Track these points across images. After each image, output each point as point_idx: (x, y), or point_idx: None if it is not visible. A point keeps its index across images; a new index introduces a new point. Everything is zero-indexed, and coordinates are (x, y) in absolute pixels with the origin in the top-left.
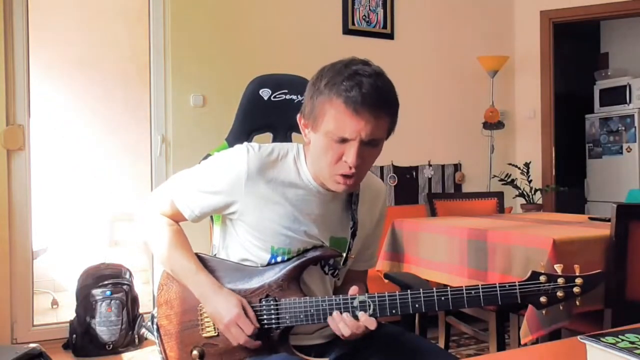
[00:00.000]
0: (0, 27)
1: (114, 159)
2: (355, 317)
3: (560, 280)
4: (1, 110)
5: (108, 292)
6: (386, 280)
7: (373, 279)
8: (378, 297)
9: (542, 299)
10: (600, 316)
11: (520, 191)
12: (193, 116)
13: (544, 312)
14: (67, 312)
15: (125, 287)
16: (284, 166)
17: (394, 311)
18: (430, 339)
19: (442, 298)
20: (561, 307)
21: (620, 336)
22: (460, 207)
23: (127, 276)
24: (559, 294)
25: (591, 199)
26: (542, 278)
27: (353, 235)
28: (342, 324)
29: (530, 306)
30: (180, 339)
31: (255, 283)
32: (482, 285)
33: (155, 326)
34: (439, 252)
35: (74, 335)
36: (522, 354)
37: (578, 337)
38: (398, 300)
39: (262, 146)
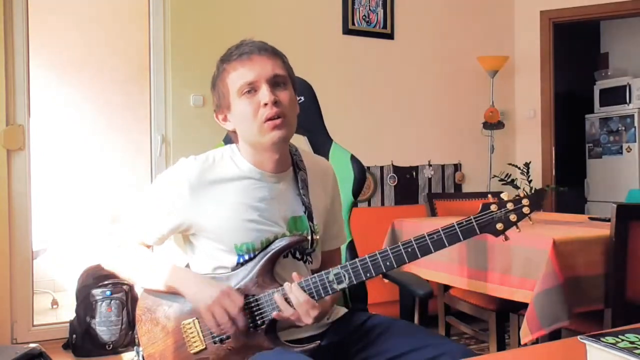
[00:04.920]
0: (0, 28)
1: (114, 159)
2: (334, 291)
3: (510, 205)
4: (1, 110)
5: (108, 292)
6: (386, 280)
7: (373, 279)
8: (350, 265)
9: (499, 226)
10: (600, 316)
11: (521, 191)
12: (193, 116)
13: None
14: (67, 312)
15: (125, 287)
16: (223, 165)
17: (368, 274)
18: None
19: (409, 249)
20: (518, 229)
21: (620, 336)
22: (460, 207)
23: None
24: (512, 217)
25: (591, 199)
26: (493, 207)
27: (309, 218)
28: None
29: (530, 306)
30: None
31: (232, 286)
32: (441, 228)
33: (141, 358)
34: (439, 253)
35: (74, 335)
36: (522, 354)
37: (578, 337)
38: (369, 263)
39: (197, 156)
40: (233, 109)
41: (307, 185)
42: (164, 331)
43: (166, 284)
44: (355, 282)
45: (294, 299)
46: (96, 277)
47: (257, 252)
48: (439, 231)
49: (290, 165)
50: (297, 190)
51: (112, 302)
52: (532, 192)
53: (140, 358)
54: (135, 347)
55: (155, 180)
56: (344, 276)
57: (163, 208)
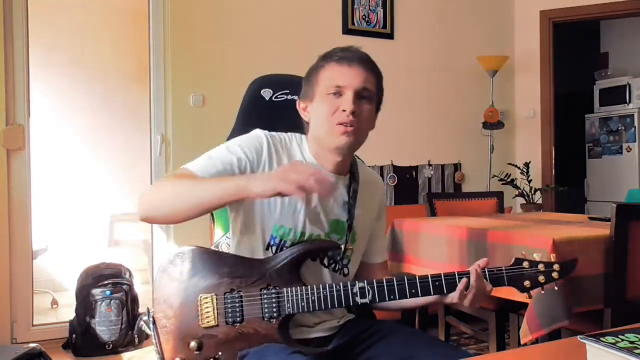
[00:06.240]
0: (0, 27)
1: (114, 159)
2: (356, 304)
3: (541, 266)
4: (1, 110)
5: (108, 292)
6: None
7: None
8: (377, 283)
9: (526, 283)
10: (600, 316)
11: (520, 191)
12: (193, 116)
13: (528, 293)
14: (67, 312)
15: (125, 287)
16: (290, 150)
17: (392, 297)
18: None
19: (437, 283)
20: (542, 291)
21: (620, 336)
22: (460, 207)
23: (127, 276)
24: (541, 278)
25: (591, 199)
26: (525, 264)
27: (349, 228)
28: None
29: (530, 306)
30: (178, 332)
31: (256, 274)
32: (472, 270)
33: (151, 319)
34: (439, 252)
35: (74, 335)
36: (522, 354)
37: (578, 337)
38: (396, 286)
39: (272, 133)
40: (315, 104)
41: (357, 197)
42: (180, 299)
43: (235, 185)
44: (378, 301)
45: (476, 285)
46: (96, 277)
47: (286, 244)
48: (469, 273)
49: (348, 172)
50: (346, 198)
51: (112, 302)
52: (566, 261)
53: (151, 319)
54: (147, 308)
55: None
56: (368, 292)
57: (240, 151)
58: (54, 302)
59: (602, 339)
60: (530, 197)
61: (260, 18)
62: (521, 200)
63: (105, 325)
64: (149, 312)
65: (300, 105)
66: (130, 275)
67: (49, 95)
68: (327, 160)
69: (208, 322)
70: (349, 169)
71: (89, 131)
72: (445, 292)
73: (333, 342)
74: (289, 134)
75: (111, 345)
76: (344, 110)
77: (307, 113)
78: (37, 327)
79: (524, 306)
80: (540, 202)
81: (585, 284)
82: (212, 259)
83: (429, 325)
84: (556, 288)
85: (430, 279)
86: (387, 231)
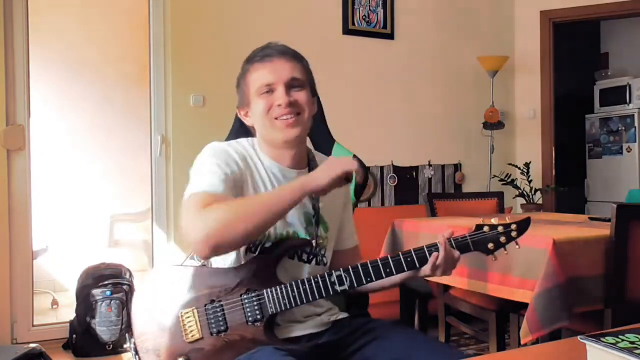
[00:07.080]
0: (0, 27)
1: (114, 159)
2: (335, 292)
3: (500, 228)
4: (1, 110)
5: (108, 292)
6: None
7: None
8: (352, 269)
9: (490, 245)
10: (600, 316)
11: (520, 191)
12: (193, 116)
13: (493, 254)
14: (67, 312)
15: (125, 287)
16: (250, 153)
17: (369, 279)
18: None
19: (409, 259)
20: (505, 251)
21: (620, 336)
22: (460, 207)
23: (127, 276)
24: (502, 239)
25: (591, 199)
26: (486, 228)
27: (317, 223)
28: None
29: (530, 305)
30: (164, 352)
31: (233, 281)
32: (439, 242)
33: (133, 345)
34: None
35: (74, 335)
36: (522, 354)
37: (578, 337)
38: (370, 268)
39: (227, 142)
40: (252, 106)
41: None
42: (159, 320)
43: (299, 186)
44: (356, 286)
45: (444, 254)
46: (96, 277)
47: (265, 244)
48: (436, 244)
49: (306, 166)
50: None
51: (112, 302)
52: (521, 219)
53: (133, 345)
54: (127, 336)
55: (204, 155)
56: (345, 279)
57: (227, 163)
58: (54, 302)
59: (602, 339)
60: (530, 197)
61: (260, 18)
62: (521, 200)
63: (105, 325)
64: (129, 340)
65: (240, 113)
66: (130, 275)
67: (49, 96)
68: (282, 156)
69: (192, 335)
70: (307, 162)
71: (89, 131)
72: (418, 266)
73: (323, 337)
74: (239, 139)
75: (111, 345)
76: (279, 105)
77: (249, 118)
78: (37, 327)
79: (524, 306)
80: (540, 202)
81: (585, 284)
82: (187, 274)
83: (429, 326)
84: (517, 247)
85: (401, 255)
86: (387, 231)
